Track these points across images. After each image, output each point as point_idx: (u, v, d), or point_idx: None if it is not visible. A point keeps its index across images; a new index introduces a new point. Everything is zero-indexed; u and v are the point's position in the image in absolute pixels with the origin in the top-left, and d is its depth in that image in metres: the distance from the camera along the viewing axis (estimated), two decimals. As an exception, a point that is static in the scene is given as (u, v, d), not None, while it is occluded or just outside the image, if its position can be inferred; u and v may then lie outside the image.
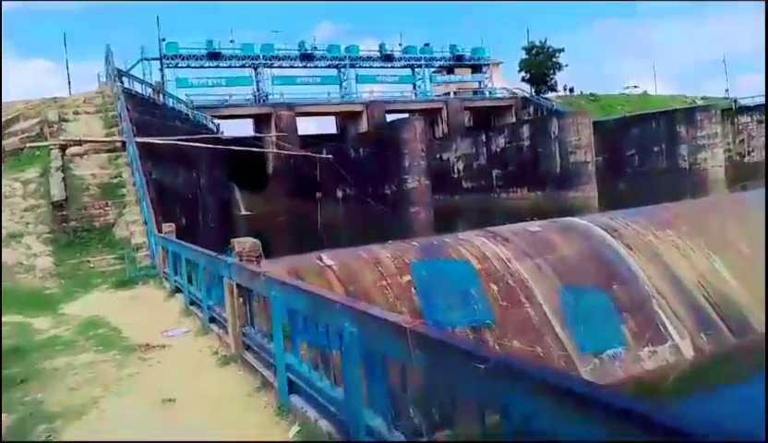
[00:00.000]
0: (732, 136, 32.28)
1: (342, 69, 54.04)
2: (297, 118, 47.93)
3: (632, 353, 10.95)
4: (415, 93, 55.90)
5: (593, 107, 49.28)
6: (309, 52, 53.24)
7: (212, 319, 6.71)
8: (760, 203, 17.41)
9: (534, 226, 13.39)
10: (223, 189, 36.25)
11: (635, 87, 64.03)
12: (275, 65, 52.90)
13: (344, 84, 53.81)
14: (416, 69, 56.72)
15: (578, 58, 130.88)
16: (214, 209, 29.08)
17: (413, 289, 10.00)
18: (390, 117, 48.30)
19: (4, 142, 18.10)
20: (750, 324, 12.17)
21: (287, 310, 3.98)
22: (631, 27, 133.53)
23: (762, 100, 31.67)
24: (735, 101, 34.26)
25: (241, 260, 5.48)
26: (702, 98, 52.44)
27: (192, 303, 8.11)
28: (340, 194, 40.66)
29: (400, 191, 35.80)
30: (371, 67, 56.03)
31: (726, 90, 54.04)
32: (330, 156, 31.20)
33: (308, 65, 54.01)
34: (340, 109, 51.92)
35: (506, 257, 11.41)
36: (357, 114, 49.84)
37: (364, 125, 48.10)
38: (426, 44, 57.63)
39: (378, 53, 55.66)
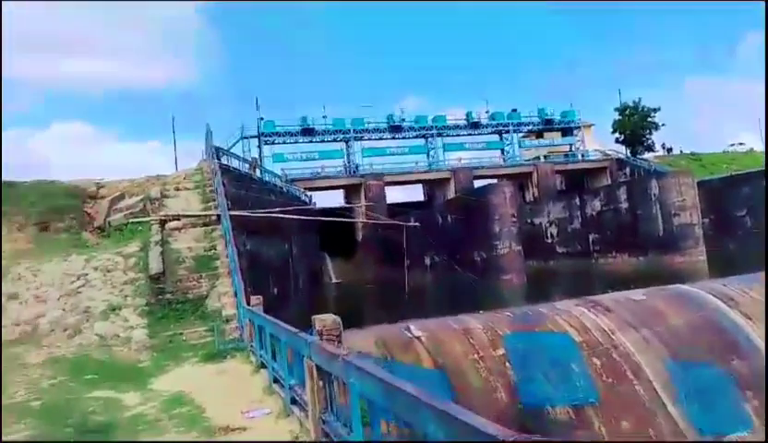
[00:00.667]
0: None
1: (430, 138, 54.95)
2: (386, 188, 48.87)
3: (759, 437, 9.67)
4: (504, 159, 55.61)
5: (694, 166, 46.78)
6: (398, 123, 54.71)
7: (294, 401, 6.45)
8: None
9: (639, 294, 12.45)
10: (314, 258, 37.08)
11: (740, 144, 60.45)
12: (365, 137, 54.71)
13: (432, 153, 54.56)
14: (504, 135, 56.66)
15: (673, 117, 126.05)
16: (305, 278, 29.61)
17: (507, 363, 9.42)
18: (477, 183, 48.14)
19: (109, 219, 19.46)
20: None
21: (366, 399, 3.71)
22: (727, 82, 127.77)
23: None
24: None
25: (321, 339, 5.20)
26: (820, 152, 48.37)
27: (275, 380, 7.92)
28: (428, 261, 40.41)
29: (490, 257, 35.03)
30: (458, 135, 56.61)
31: None
32: (417, 223, 31.22)
33: (397, 136, 55.40)
34: (427, 176, 52.45)
35: (609, 329, 10.59)
36: (444, 181, 50.09)
37: (451, 192, 48.16)
38: (514, 110, 57.65)
39: (464, 121, 56.24)
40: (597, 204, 41.69)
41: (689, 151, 55.12)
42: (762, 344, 11.12)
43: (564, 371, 9.61)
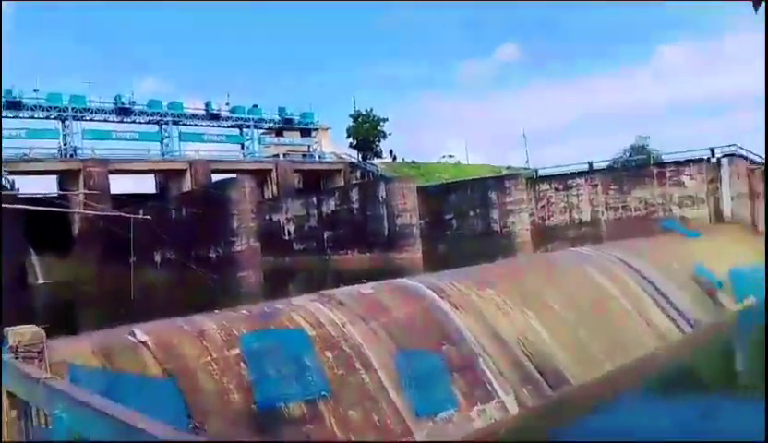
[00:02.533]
0: (535, 202, 36.06)
1: (165, 126, 51.44)
2: (111, 176, 44.16)
3: (464, 414, 11.06)
4: (244, 154, 54.97)
5: (414, 173, 52.37)
6: (126, 105, 49.98)
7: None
8: (564, 262, 19.28)
9: (368, 288, 13.28)
10: (14, 255, 31.64)
11: (450, 156, 69.78)
12: (86, 118, 48.73)
13: (166, 141, 51.17)
14: (245, 130, 56.01)
15: (404, 127, 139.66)
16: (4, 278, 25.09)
17: (242, 363, 9.12)
18: (216, 177, 46.68)
19: None
20: (564, 377, 13.04)
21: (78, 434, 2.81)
22: (448, 98, 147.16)
23: (557, 170, 36.13)
24: (536, 171, 38.55)
25: (17, 358, 4.12)
26: (508, 167, 58.48)
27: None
28: (158, 258, 37.71)
29: (227, 254, 34.22)
30: (197, 126, 54.17)
31: (527, 161, 61.09)
32: (147, 217, 28.83)
33: (126, 119, 50.59)
34: (160, 166, 48.98)
35: (341, 322, 11.04)
36: (180, 173, 47.36)
37: (187, 185, 45.81)
38: (255, 105, 57.42)
39: (204, 111, 54.08)
40: (333, 204, 43.84)
41: (410, 160, 61.54)
42: (467, 331, 12.79)
43: (298, 367, 9.70)
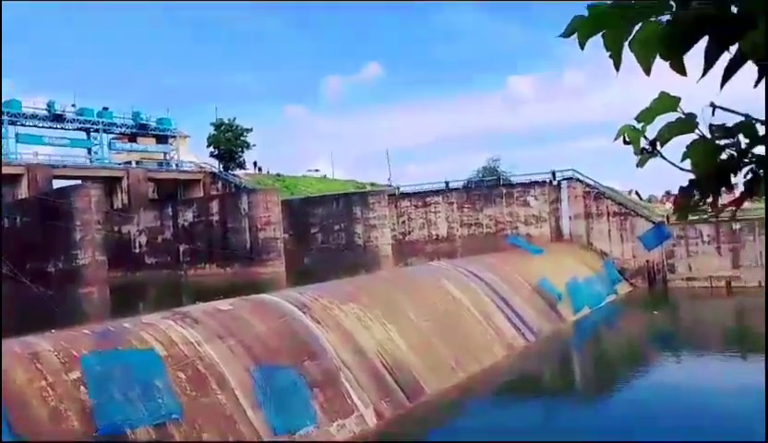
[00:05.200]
0: (396, 217, 37.20)
1: (-2, 125, 46.08)
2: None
3: (323, 429, 11.03)
4: (91, 159, 50.75)
5: (279, 186, 51.72)
6: (-50, 100, 44.11)
7: None
8: (423, 276, 20.06)
9: (226, 304, 12.85)
10: None
11: (316, 170, 69.86)
12: None
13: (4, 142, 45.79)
14: (93, 134, 51.76)
15: (269, 139, 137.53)
16: None
17: (82, 387, 8.36)
18: (58, 183, 42.60)
19: None
20: (421, 386, 13.51)
21: None
22: (314, 114, 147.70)
23: (417, 187, 37.61)
24: (398, 188, 39.79)
25: None
26: (372, 184, 59.84)
27: None
28: (-15, 272, 33.57)
29: (68, 268, 31.37)
30: (37, 127, 49.12)
31: (389, 178, 62.82)
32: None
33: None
34: (-10, 170, 43.70)
35: (196, 341, 10.55)
36: (16, 178, 42.58)
37: (24, 191, 41.32)
38: (105, 108, 53.36)
39: (45, 112, 49.20)
40: (190, 215, 41.95)
41: (275, 172, 60.72)
42: (328, 345, 12.80)
43: (147, 389, 9.09)
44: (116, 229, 43.38)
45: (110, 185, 46.86)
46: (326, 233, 39.93)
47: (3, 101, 45.42)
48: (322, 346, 12.61)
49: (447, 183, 36.38)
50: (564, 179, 32.35)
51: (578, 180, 32.15)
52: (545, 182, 32.90)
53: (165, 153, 56.17)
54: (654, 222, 29.02)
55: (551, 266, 24.65)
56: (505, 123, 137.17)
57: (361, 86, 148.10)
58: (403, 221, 36.92)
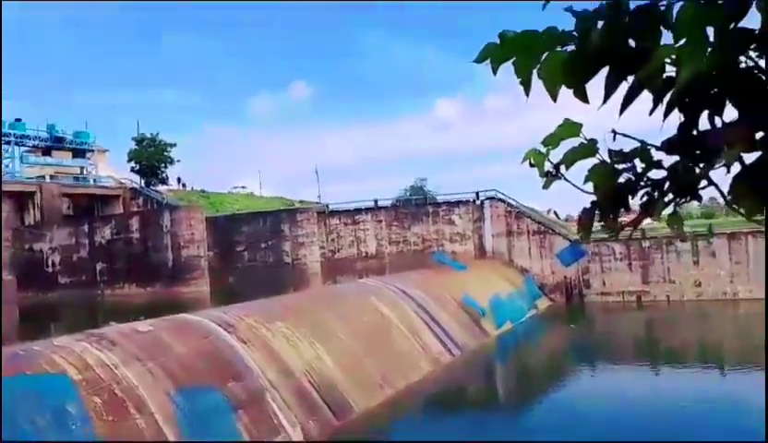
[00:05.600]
0: (326, 235, 37.04)
1: None
2: None
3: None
4: (1, 173, 47.61)
5: (204, 203, 50.36)
6: None
7: None
8: (351, 293, 20.07)
9: (145, 325, 12.35)
10: None
11: (243, 187, 68.52)
12: None
13: None
14: (4, 146, 48.67)
15: (193, 155, 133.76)
16: None
17: (-16, 416, 7.78)
18: (-39, 198, 39.69)
19: None
20: (349, 405, 13.45)
21: None
22: (240, 130, 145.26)
23: (346, 205, 37.71)
24: (327, 205, 39.68)
25: None
26: (300, 201, 59.31)
27: None
28: None
29: (-29, 289, 29.13)
30: (-63, 137, 45.69)
31: (319, 196, 62.51)
32: None
33: None
34: None
35: (112, 364, 10.07)
36: None
37: None
38: (18, 119, 50.41)
39: (-53, 122, 45.88)
40: (108, 232, 40.14)
41: (200, 188, 59.07)
42: (254, 365, 12.53)
43: (59, 416, 8.60)
44: (27, 246, 40.89)
45: (21, 200, 44.16)
46: (252, 251, 39.17)
47: None
48: (248, 366, 12.35)
49: (376, 201, 36.67)
50: (487, 199, 33.40)
51: (500, 200, 33.28)
52: (468, 201, 33.84)
53: (83, 168, 53.64)
54: (570, 240, 30.41)
55: (475, 282, 25.30)
56: (433, 144, 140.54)
57: (288, 105, 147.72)
58: (333, 239, 36.81)
